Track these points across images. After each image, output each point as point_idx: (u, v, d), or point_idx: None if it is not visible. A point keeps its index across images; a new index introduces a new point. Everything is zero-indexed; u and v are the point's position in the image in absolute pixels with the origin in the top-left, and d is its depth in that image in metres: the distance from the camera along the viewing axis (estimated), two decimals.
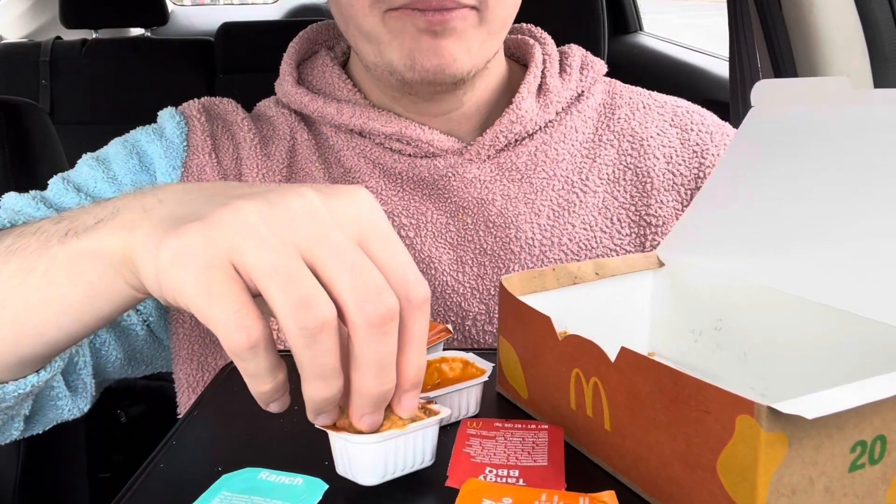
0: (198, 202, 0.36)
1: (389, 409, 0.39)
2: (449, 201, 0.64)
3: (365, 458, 0.36)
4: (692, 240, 0.52)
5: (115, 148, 0.66)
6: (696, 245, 0.51)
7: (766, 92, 0.49)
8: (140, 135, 0.66)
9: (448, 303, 0.63)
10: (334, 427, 0.36)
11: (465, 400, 0.44)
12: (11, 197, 0.61)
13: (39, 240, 0.41)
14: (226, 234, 0.33)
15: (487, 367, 0.45)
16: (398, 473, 0.37)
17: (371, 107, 0.65)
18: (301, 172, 0.66)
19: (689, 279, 0.52)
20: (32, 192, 0.61)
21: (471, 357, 0.47)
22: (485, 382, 0.45)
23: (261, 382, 0.35)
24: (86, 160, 0.65)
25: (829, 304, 0.42)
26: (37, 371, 0.46)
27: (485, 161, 0.65)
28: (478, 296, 0.63)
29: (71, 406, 0.58)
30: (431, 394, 0.42)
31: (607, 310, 0.52)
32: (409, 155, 0.64)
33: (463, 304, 0.63)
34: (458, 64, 0.57)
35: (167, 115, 0.67)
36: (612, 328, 0.53)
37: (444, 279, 0.63)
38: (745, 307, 0.48)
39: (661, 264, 0.54)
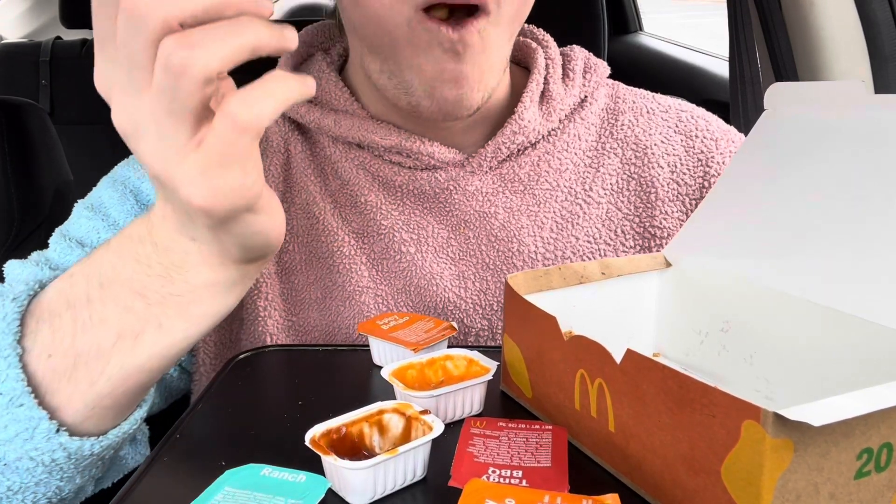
0: None
1: (383, 426, 0.40)
2: (450, 215, 0.63)
3: (355, 481, 0.36)
4: (700, 240, 0.52)
5: (106, 191, 0.64)
6: (704, 246, 0.51)
7: (780, 95, 0.49)
8: (128, 171, 0.64)
9: (450, 319, 0.62)
10: (325, 450, 0.37)
11: (469, 398, 0.44)
12: (14, 266, 0.59)
13: (108, 307, 0.44)
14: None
15: (492, 365, 0.45)
16: (389, 492, 0.37)
17: (369, 118, 0.63)
18: (297, 186, 0.65)
19: (695, 280, 0.52)
20: (34, 257, 0.60)
21: (475, 355, 0.47)
22: (489, 381, 0.45)
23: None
24: (80, 211, 0.63)
25: (836, 307, 0.42)
26: (138, 406, 0.49)
27: (487, 173, 0.63)
28: (480, 311, 0.62)
29: (133, 454, 0.58)
30: (436, 391, 0.42)
31: (613, 310, 0.52)
32: (410, 168, 0.63)
33: (465, 321, 0.62)
34: (475, 96, 0.56)
35: (127, 169, 0.65)
36: (618, 328, 0.53)
37: (447, 295, 0.62)
38: (751, 309, 0.48)
39: (668, 265, 0.54)
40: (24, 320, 0.45)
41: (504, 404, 0.47)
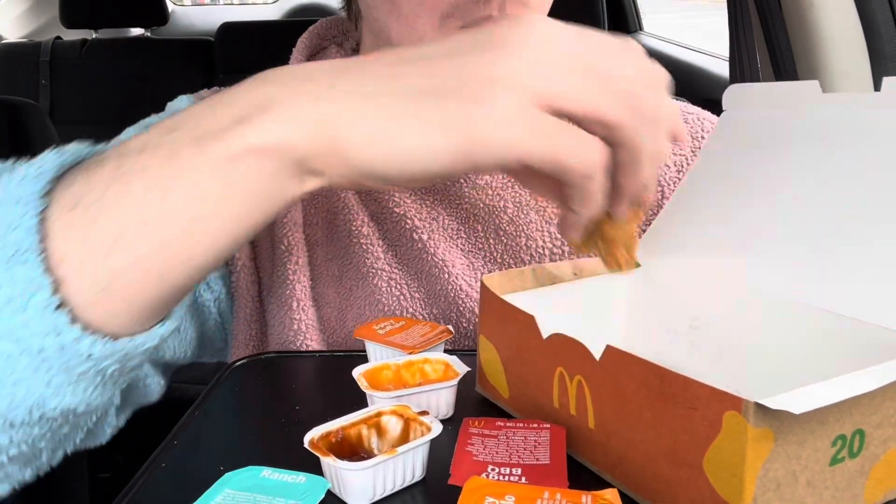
0: (429, 72, 0.37)
1: (381, 428, 0.40)
2: (460, 207, 0.63)
3: (354, 482, 0.36)
4: (668, 240, 0.52)
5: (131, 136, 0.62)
6: (672, 245, 0.52)
7: (739, 96, 0.50)
8: (155, 120, 0.61)
9: (461, 308, 0.62)
10: (324, 451, 0.37)
11: (434, 401, 0.44)
12: None
13: (158, 154, 0.35)
14: (529, 79, 0.36)
15: (462, 371, 0.45)
16: (388, 493, 0.37)
17: None
18: None
19: (664, 279, 0.52)
20: None
21: (452, 360, 0.47)
22: (466, 383, 0.45)
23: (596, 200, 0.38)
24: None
25: (802, 302, 0.42)
26: (161, 321, 0.38)
27: None
28: None
29: (157, 384, 0.55)
30: (397, 392, 0.43)
31: (584, 309, 0.52)
32: None
33: (476, 311, 0.62)
34: None
35: (185, 100, 0.64)
36: (589, 328, 0.53)
37: (458, 283, 0.62)
38: (719, 306, 0.48)
39: (637, 265, 0.54)
40: (66, 173, 0.37)
41: (480, 407, 0.47)
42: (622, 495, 0.36)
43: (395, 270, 0.63)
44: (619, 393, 0.36)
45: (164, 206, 0.34)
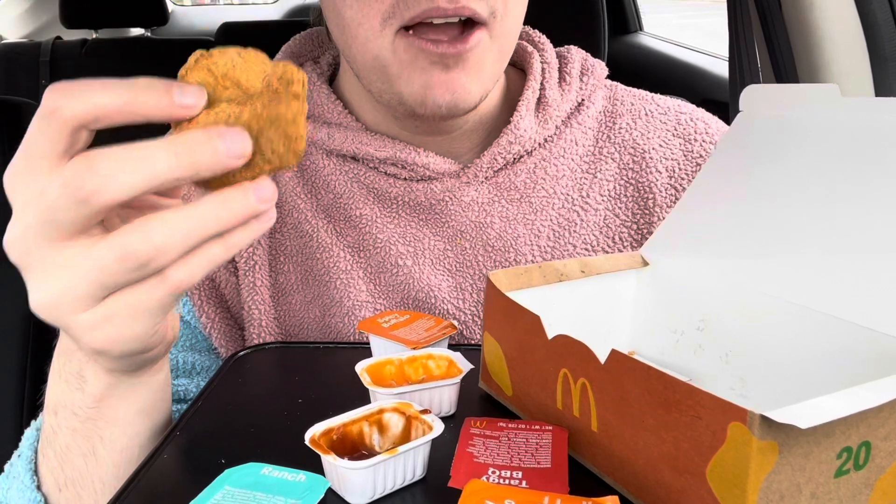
0: None
1: (383, 426, 0.40)
2: (446, 226, 0.62)
3: (355, 481, 0.36)
4: (677, 240, 0.52)
5: None
6: (681, 245, 0.51)
7: (756, 96, 0.49)
8: None
9: None
10: (325, 449, 0.37)
11: (437, 399, 0.44)
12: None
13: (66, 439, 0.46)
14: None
15: (465, 368, 0.45)
16: (388, 492, 0.37)
17: (363, 130, 0.63)
18: (286, 206, 0.64)
19: (672, 279, 0.52)
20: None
21: (455, 356, 0.47)
22: (468, 379, 0.45)
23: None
24: None
25: (809, 306, 0.42)
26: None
27: (482, 182, 0.63)
28: (479, 323, 0.62)
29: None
30: (400, 389, 0.43)
31: (590, 307, 0.52)
32: (405, 179, 0.62)
33: (465, 332, 0.62)
34: (471, 97, 0.55)
35: None
36: (595, 326, 0.53)
37: (445, 307, 0.62)
38: (727, 308, 0.48)
39: (646, 263, 0.54)
40: (37, 461, 0.49)
41: (483, 404, 0.47)
42: (623, 500, 0.36)
43: (380, 300, 0.62)
44: (622, 397, 0.36)
45: (101, 462, 0.46)
